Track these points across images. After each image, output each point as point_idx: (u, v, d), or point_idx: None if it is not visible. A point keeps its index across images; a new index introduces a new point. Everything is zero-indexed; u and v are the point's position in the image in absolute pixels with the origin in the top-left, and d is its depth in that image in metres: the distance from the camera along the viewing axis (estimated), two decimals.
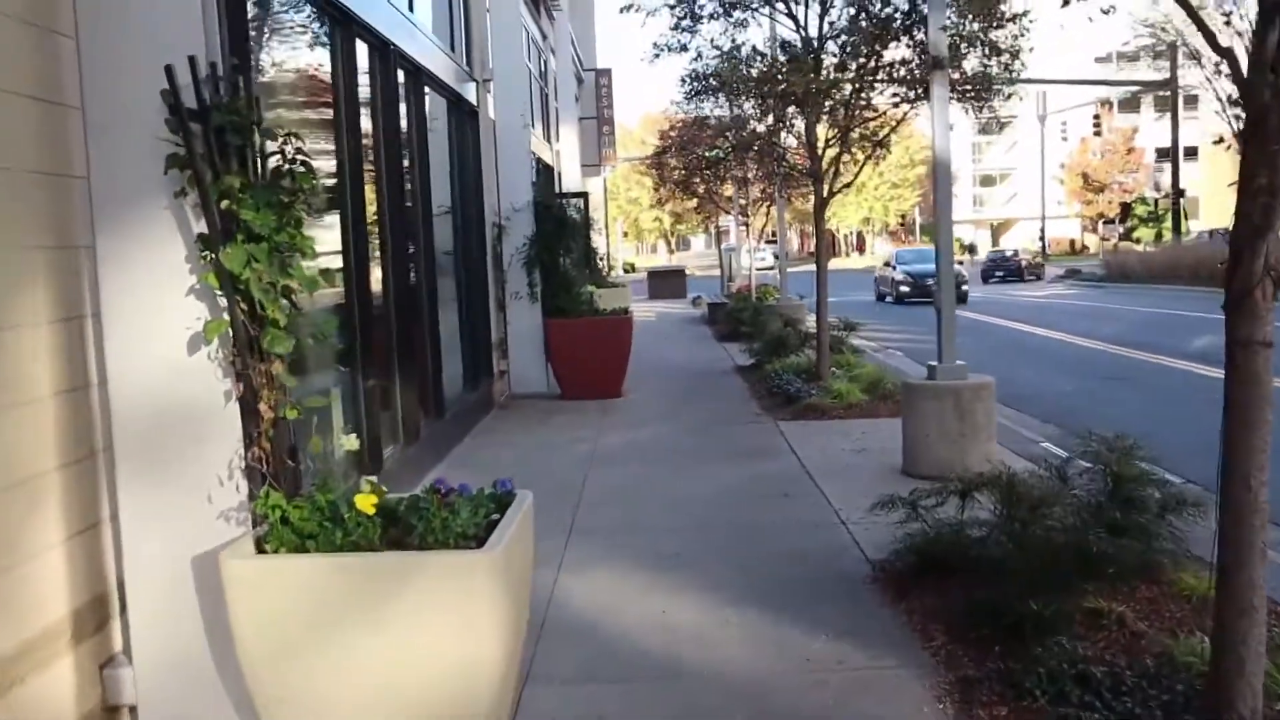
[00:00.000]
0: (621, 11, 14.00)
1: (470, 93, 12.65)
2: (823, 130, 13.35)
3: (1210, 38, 3.75)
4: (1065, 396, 13.51)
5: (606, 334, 13.52)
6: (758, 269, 27.47)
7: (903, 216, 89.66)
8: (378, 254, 8.29)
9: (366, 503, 3.90)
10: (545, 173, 21.51)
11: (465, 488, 4.20)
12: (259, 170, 4.13)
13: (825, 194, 13.38)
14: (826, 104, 12.01)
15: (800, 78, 11.38)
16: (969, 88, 12.58)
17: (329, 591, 3.79)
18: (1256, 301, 3.56)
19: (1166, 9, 38.12)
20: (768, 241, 43.66)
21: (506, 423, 12.05)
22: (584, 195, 16.57)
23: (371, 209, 8.17)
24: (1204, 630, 4.49)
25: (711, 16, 13.17)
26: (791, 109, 12.42)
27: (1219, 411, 3.76)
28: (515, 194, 13.52)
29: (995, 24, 11.22)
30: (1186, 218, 70.62)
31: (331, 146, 7.27)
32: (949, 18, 11.77)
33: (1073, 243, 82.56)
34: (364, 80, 8.12)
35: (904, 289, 34.60)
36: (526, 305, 13.61)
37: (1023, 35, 11.44)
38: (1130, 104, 79.24)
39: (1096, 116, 61.10)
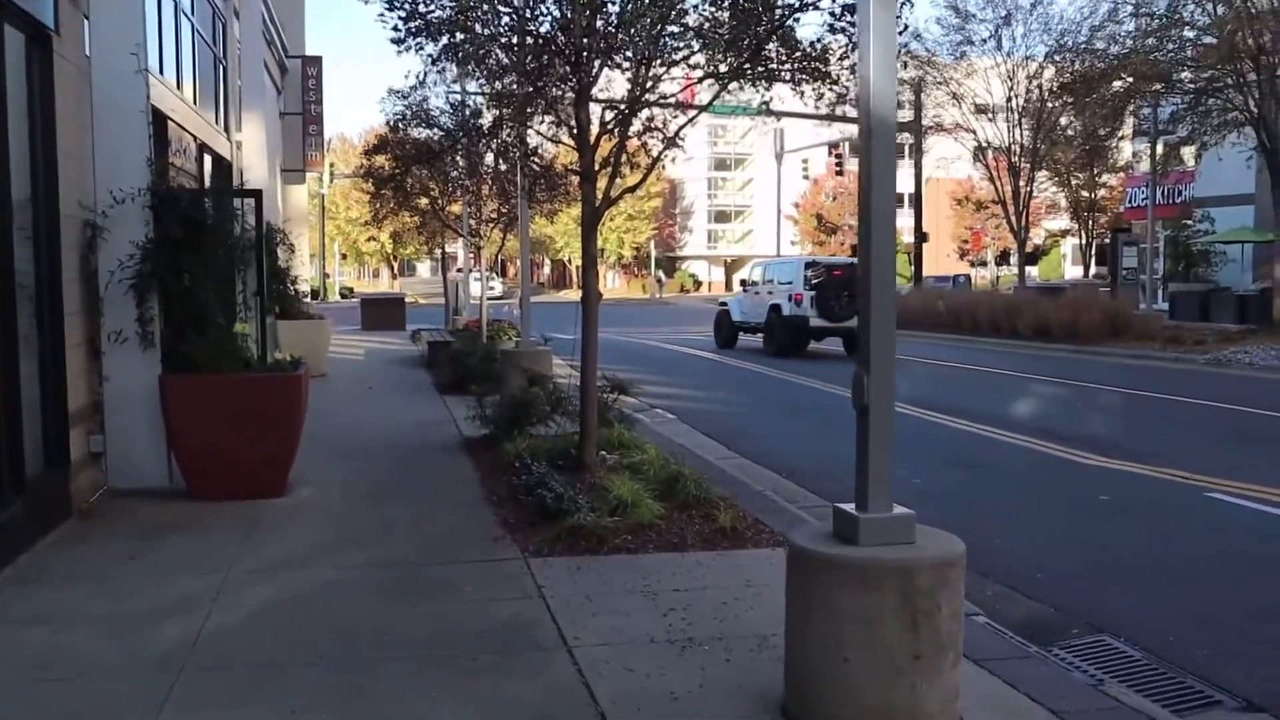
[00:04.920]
0: None
1: (43, 11, 7.73)
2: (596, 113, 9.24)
3: None
4: (925, 500, 9.18)
5: (262, 400, 8.72)
6: (489, 300, 23.02)
7: (637, 249, 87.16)
8: None
9: None
10: (220, 169, 16.42)
11: None
12: None
13: (599, 201, 9.23)
14: (616, 57, 7.81)
15: (584, 3, 7.09)
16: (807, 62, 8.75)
17: None
18: None
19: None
20: (490, 269, 39.06)
21: (71, 556, 7.10)
22: (255, 194, 11.74)
23: None
24: None
25: None
26: (558, 67, 8.08)
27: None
28: (120, 177, 8.59)
29: None
30: (909, 263, 71.27)
31: None
32: None
33: None
34: None
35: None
36: (137, 351, 8.67)
37: None
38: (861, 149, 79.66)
39: (839, 157, 60.17)
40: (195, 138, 13.96)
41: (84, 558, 7.05)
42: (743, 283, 29.67)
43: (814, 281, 25.99)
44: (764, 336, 27.44)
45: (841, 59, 8.75)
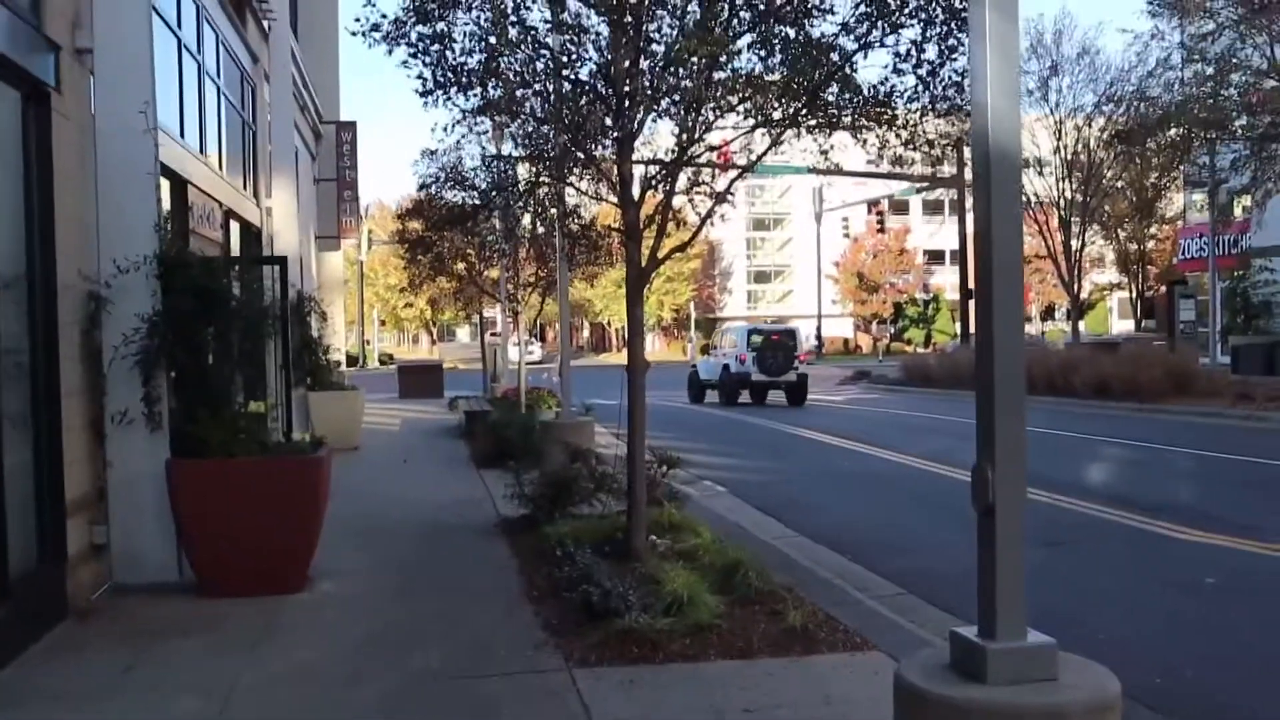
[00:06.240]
0: None
1: (42, 67, 7.12)
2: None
3: None
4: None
5: (279, 485, 7.95)
6: (528, 364, 22.31)
7: (677, 311, 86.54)
8: None
9: None
10: (249, 237, 15.87)
11: None
12: None
13: (645, 262, 8.49)
14: (664, 101, 7.07)
15: (626, 45, 6.38)
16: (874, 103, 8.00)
17: None
18: None
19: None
20: (528, 333, 38.91)
21: (60, 668, 6.30)
22: (280, 261, 11.10)
23: None
24: None
25: None
26: (599, 115, 7.36)
27: None
28: (126, 243, 7.93)
29: None
30: (953, 320, 70.03)
31: None
32: None
33: (846, 342, 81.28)
34: None
35: None
36: (143, 433, 7.95)
37: None
38: (900, 206, 78.96)
39: (881, 215, 59.41)
40: (221, 204, 13.37)
41: (75, 670, 6.26)
42: (704, 347, 35.85)
43: (756, 344, 31.52)
44: (718, 390, 32.84)
45: (910, 101, 8.00)
